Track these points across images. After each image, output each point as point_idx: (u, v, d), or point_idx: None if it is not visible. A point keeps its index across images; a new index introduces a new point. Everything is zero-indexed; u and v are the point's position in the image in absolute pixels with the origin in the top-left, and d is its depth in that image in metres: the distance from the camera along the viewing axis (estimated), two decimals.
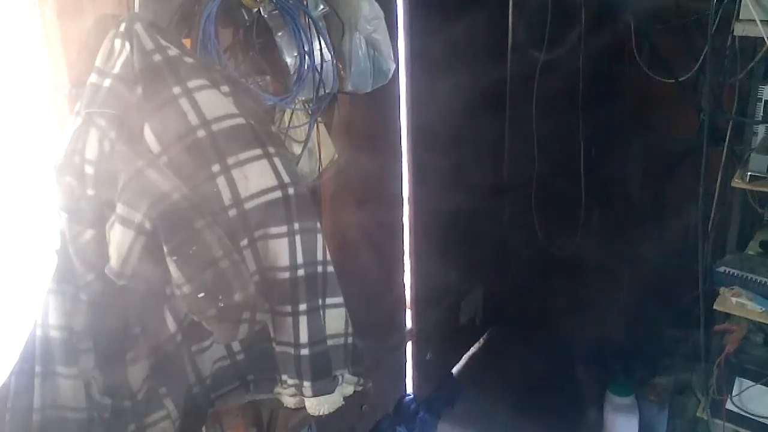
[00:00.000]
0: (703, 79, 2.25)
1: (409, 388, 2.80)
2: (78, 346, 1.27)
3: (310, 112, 1.70)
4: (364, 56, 1.79)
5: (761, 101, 2.15)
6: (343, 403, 1.52)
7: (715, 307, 2.13)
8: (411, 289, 2.67)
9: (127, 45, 1.24)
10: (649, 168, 3.24)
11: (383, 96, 2.13)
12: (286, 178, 1.34)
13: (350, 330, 1.51)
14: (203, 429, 1.56)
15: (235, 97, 1.35)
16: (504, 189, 3.25)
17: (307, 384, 1.44)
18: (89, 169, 1.23)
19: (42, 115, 1.31)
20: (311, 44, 1.58)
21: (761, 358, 2.13)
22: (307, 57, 1.57)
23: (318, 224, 1.42)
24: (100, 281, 1.26)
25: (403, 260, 2.60)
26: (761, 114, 2.15)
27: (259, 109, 1.42)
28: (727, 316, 2.21)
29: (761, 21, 1.91)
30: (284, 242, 1.35)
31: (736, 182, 2.11)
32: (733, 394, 2.14)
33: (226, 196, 1.29)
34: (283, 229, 1.34)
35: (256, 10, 1.50)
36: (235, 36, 1.57)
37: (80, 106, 1.24)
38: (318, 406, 1.46)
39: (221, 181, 1.28)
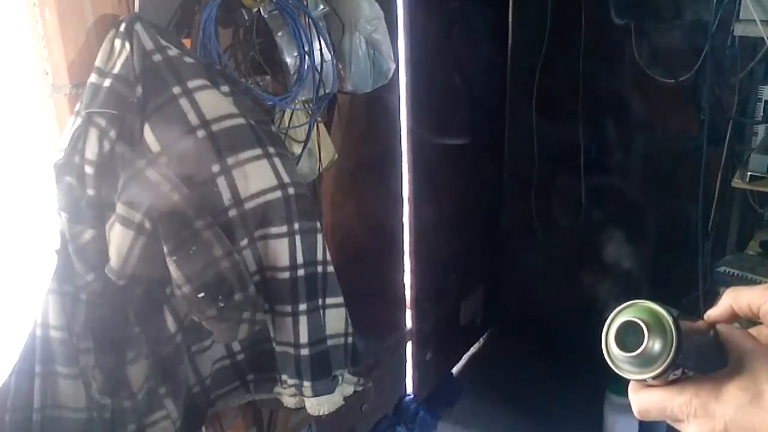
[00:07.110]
0: (703, 79, 2.26)
1: (409, 388, 2.80)
2: (78, 346, 1.27)
3: (310, 112, 1.70)
4: (364, 56, 1.79)
5: (761, 101, 2.15)
6: (343, 403, 1.52)
7: None
8: (411, 289, 2.66)
9: (127, 45, 1.24)
10: (649, 168, 3.23)
11: (383, 96, 2.13)
12: (286, 178, 1.34)
13: (350, 330, 1.52)
14: (203, 429, 1.56)
15: (235, 97, 1.35)
16: (504, 189, 3.25)
17: (307, 384, 1.44)
18: (89, 169, 1.23)
19: (42, 115, 1.31)
20: (311, 44, 1.58)
21: None
22: (307, 57, 1.57)
23: (318, 224, 1.42)
24: (100, 281, 1.26)
25: (403, 260, 2.59)
26: (761, 114, 2.16)
27: (259, 109, 1.42)
28: None
29: (761, 21, 1.91)
30: (284, 242, 1.35)
31: (736, 182, 2.11)
32: None
33: (226, 196, 1.29)
34: (283, 229, 1.35)
35: (256, 10, 1.50)
36: (235, 36, 1.57)
37: (80, 106, 1.24)
38: (318, 406, 1.47)
39: (221, 181, 1.29)
